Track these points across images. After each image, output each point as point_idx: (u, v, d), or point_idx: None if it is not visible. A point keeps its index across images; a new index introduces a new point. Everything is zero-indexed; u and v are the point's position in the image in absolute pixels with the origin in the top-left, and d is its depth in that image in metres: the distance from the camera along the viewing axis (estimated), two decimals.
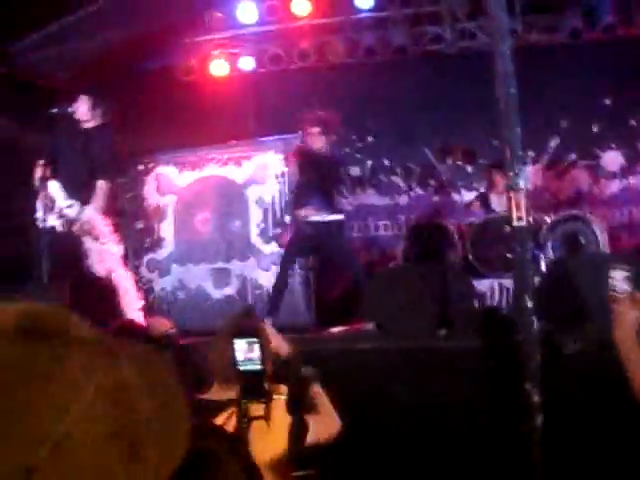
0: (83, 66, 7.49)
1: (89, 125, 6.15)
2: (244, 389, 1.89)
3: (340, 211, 7.07)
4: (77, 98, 6.13)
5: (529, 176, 8.48)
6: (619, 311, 2.50)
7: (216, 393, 2.51)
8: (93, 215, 5.84)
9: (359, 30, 8.83)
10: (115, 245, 5.93)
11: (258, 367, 1.89)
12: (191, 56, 8.77)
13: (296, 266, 7.42)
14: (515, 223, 4.52)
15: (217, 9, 8.58)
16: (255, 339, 1.88)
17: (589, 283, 4.86)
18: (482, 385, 4.58)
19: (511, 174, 4.47)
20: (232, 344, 1.87)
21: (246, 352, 1.90)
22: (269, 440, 1.81)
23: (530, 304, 4.43)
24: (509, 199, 4.60)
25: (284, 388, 1.90)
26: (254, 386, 1.88)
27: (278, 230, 7.89)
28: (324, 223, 6.85)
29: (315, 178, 6.85)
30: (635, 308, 2.50)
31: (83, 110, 6.08)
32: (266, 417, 1.85)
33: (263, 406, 1.86)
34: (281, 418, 1.83)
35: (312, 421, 2.68)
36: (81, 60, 7.55)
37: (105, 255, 5.90)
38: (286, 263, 7.11)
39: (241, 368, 1.89)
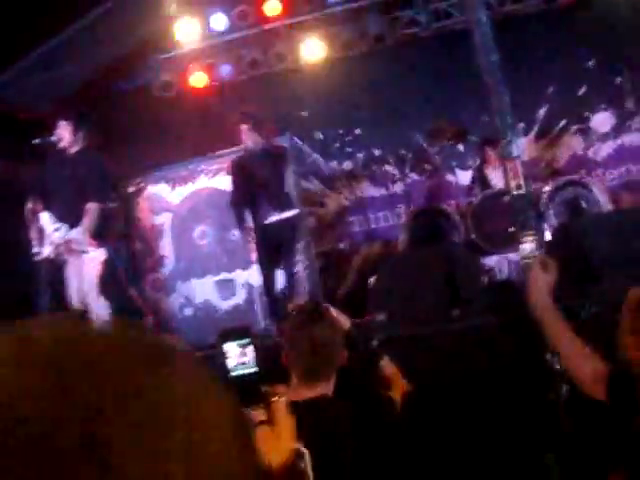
0: (63, 94, 7.44)
1: (74, 150, 6.08)
2: (240, 395, 1.80)
3: (293, 206, 6.92)
4: (58, 125, 6.07)
5: (523, 146, 8.42)
6: (531, 276, 2.50)
7: (297, 390, 2.46)
8: (79, 234, 5.74)
9: (334, 24, 8.73)
10: (96, 261, 5.80)
11: (252, 370, 1.80)
12: (168, 71, 8.69)
13: (278, 270, 7.13)
14: (514, 192, 4.44)
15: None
16: (247, 340, 1.79)
17: (595, 244, 4.79)
18: (502, 361, 4.50)
19: (504, 143, 4.39)
20: (222, 350, 1.78)
21: (238, 356, 1.81)
22: (275, 444, 1.73)
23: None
24: (505, 169, 4.54)
25: (282, 388, 1.82)
26: (250, 390, 1.79)
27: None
28: (279, 222, 6.67)
29: (256, 182, 6.63)
30: (546, 272, 2.50)
31: (65, 136, 6.01)
32: (269, 421, 1.77)
33: (263, 410, 1.77)
34: (283, 420, 1.75)
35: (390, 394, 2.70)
36: (60, 88, 7.50)
37: (85, 274, 5.79)
38: (265, 272, 7.01)
39: (234, 374, 1.80)
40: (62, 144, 6.06)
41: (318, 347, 2.43)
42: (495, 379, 4.52)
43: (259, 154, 6.69)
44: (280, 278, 7.20)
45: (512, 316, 4.71)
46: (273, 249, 6.88)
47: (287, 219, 6.73)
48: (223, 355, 1.81)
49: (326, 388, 2.45)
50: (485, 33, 4.48)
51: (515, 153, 4.50)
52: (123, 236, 8.13)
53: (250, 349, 1.82)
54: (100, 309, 5.69)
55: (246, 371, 1.83)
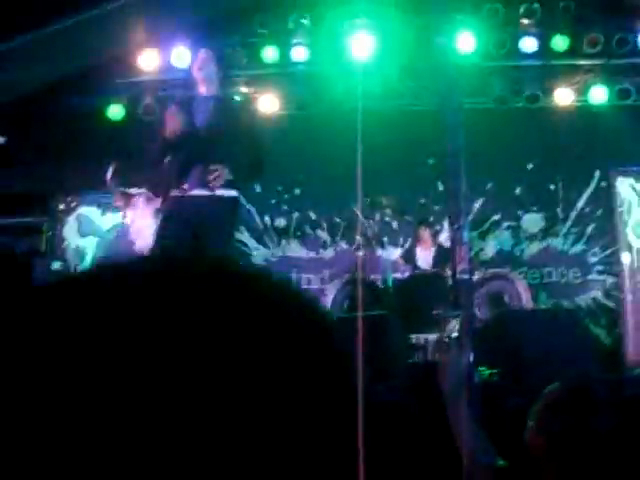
0: (11, 98, 7.26)
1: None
2: None
3: (234, 187, 5.09)
4: None
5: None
6: (447, 357, 2.52)
7: None
8: None
9: (295, 81, 8.88)
10: None
11: None
12: (123, 96, 8.61)
13: None
14: (458, 276, 4.53)
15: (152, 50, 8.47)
16: None
17: (527, 338, 4.92)
18: (425, 445, 4.50)
19: (454, 228, 4.49)
20: None
21: None
22: None
23: (472, 358, 4.41)
24: (453, 252, 4.62)
25: None
26: None
27: None
28: (208, 199, 5.03)
29: (191, 153, 5.01)
30: (462, 353, 2.53)
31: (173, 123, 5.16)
32: None
33: None
34: None
35: None
36: (8, 92, 7.31)
37: None
38: None
39: None
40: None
41: None
42: (413, 460, 4.50)
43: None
44: None
45: (435, 397, 4.74)
46: (186, 229, 5.07)
47: (221, 198, 5.10)
48: None
49: None
50: (457, 118, 4.63)
51: (464, 239, 4.60)
52: (43, 253, 7.89)
53: None
54: None
55: None
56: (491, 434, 4.13)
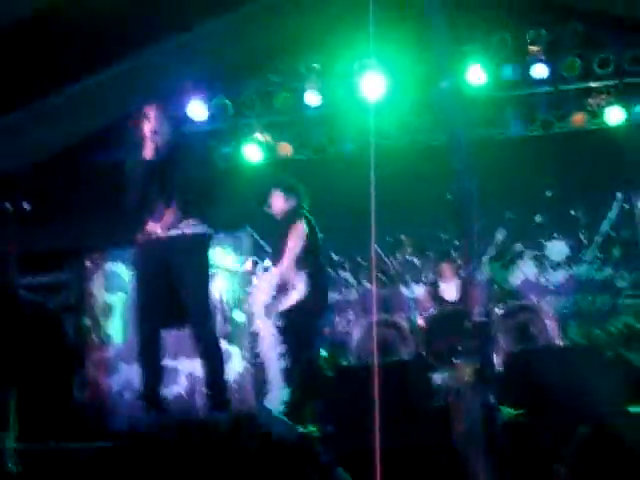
0: (37, 158, 7.44)
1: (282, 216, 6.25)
2: None
3: (204, 221, 5.00)
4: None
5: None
6: (460, 405, 2.51)
7: None
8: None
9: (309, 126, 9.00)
10: None
11: None
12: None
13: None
14: (476, 318, 4.52)
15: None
16: None
17: (551, 375, 4.88)
18: None
19: (470, 268, 4.50)
20: None
21: None
22: None
23: (493, 399, 4.39)
24: (467, 293, 4.63)
25: None
26: None
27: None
28: (178, 239, 4.87)
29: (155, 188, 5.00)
30: (477, 399, 2.52)
31: (279, 204, 6.27)
32: None
33: None
34: None
35: None
36: (34, 152, 7.49)
37: None
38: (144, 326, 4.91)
39: None
40: (273, 211, 6.30)
41: None
42: None
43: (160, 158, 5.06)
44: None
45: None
46: (163, 277, 4.90)
47: (193, 236, 4.92)
48: None
49: None
50: (463, 157, 4.65)
51: (479, 279, 4.61)
52: (73, 309, 8.04)
53: None
54: None
55: None
56: (518, 474, 4.11)
